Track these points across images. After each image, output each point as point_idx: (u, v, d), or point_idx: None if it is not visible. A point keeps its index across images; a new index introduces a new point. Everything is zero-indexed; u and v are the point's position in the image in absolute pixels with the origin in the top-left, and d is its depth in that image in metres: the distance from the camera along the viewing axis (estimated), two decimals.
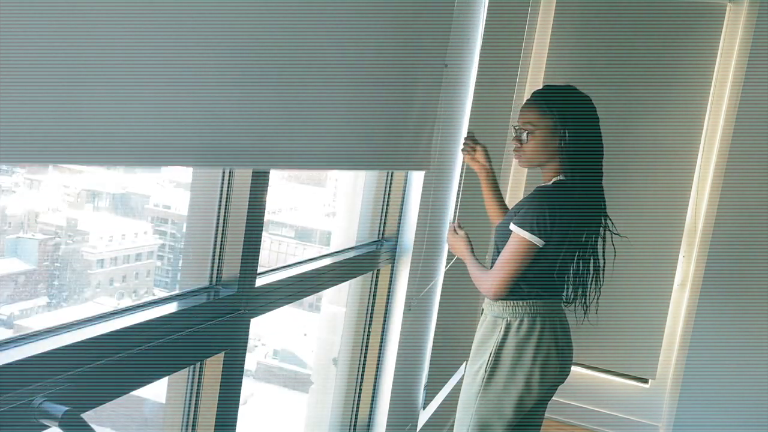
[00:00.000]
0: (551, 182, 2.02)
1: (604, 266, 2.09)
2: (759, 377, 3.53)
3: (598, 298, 2.10)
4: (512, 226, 1.95)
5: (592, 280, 2.09)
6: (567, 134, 1.94)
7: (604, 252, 2.08)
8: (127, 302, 1.51)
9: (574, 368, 3.91)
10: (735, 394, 3.55)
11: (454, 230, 2.25)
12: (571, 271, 2.07)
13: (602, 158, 2.01)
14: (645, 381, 3.90)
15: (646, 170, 3.76)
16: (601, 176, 2.02)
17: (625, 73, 3.74)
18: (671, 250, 3.76)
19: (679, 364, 3.75)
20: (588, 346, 3.89)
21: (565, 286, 2.07)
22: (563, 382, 2.13)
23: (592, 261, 2.07)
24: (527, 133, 2.00)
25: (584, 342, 3.95)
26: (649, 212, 3.75)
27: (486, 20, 2.64)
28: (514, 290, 2.00)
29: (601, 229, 2.06)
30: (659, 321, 3.79)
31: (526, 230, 1.92)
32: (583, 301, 2.09)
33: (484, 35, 2.64)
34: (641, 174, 3.77)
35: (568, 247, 1.97)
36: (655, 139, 3.73)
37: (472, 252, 2.17)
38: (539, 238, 1.91)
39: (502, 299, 2.02)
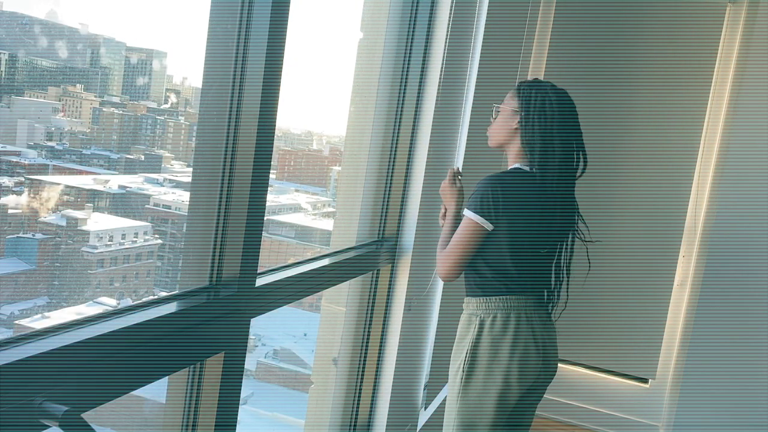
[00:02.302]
0: (508, 169, 2.04)
1: (567, 268, 2.08)
2: (759, 377, 3.53)
3: (559, 299, 2.10)
4: (464, 210, 1.96)
5: (557, 281, 2.08)
6: (523, 117, 1.97)
7: (570, 255, 2.08)
8: (127, 302, 1.51)
9: (574, 368, 3.95)
10: (735, 394, 3.55)
11: (453, 179, 2.14)
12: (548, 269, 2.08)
13: (564, 153, 1.97)
14: (645, 381, 3.90)
15: (646, 170, 3.76)
16: (566, 173, 1.98)
17: (624, 73, 3.74)
18: (671, 250, 3.75)
19: (679, 364, 3.75)
20: (588, 346, 3.89)
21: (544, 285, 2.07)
22: (550, 381, 2.10)
23: (563, 261, 2.08)
24: (496, 111, 2.05)
25: (584, 342, 3.96)
26: (649, 212, 3.75)
27: (486, 20, 2.64)
28: (485, 286, 1.99)
29: (569, 231, 2.06)
30: (659, 321, 3.79)
31: (472, 211, 1.93)
32: (551, 300, 2.09)
33: (484, 35, 2.64)
34: (641, 174, 3.77)
35: (528, 238, 1.96)
36: (655, 139, 3.73)
37: (457, 214, 2.09)
38: (485, 219, 1.91)
39: (474, 296, 2.01)
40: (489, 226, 1.92)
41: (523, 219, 1.95)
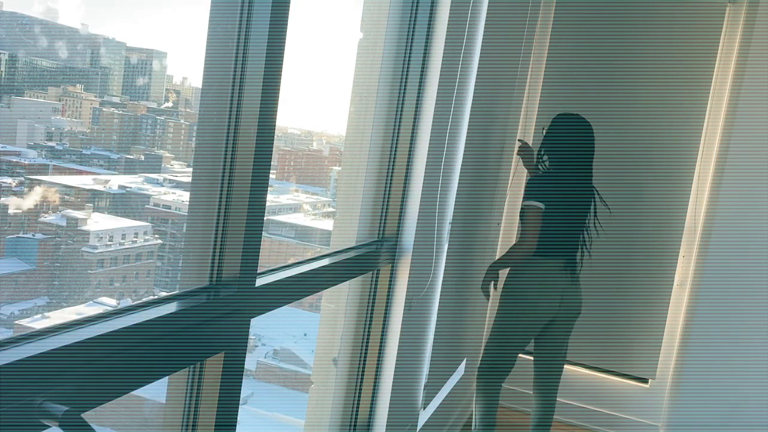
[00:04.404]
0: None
1: (588, 242, 3.01)
2: (759, 377, 3.53)
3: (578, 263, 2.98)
4: (523, 203, 2.87)
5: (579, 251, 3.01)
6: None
7: (588, 232, 2.99)
8: (127, 302, 1.51)
9: (574, 368, 3.95)
10: (734, 394, 3.55)
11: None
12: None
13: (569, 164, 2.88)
14: (645, 381, 3.90)
15: (646, 170, 3.77)
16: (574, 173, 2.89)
17: (624, 73, 3.75)
18: (671, 250, 3.76)
19: (679, 364, 3.75)
20: (588, 346, 3.89)
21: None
22: (570, 317, 2.97)
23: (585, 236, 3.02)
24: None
25: (584, 342, 3.96)
26: (649, 212, 3.76)
27: (486, 20, 2.64)
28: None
29: (587, 213, 2.95)
30: (659, 321, 3.80)
31: (530, 200, 2.85)
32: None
33: (483, 35, 2.64)
34: (641, 174, 3.77)
35: (555, 216, 2.85)
36: (654, 139, 3.74)
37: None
38: (538, 201, 2.81)
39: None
40: (542, 206, 2.80)
41: (551, 200, 2.82)
